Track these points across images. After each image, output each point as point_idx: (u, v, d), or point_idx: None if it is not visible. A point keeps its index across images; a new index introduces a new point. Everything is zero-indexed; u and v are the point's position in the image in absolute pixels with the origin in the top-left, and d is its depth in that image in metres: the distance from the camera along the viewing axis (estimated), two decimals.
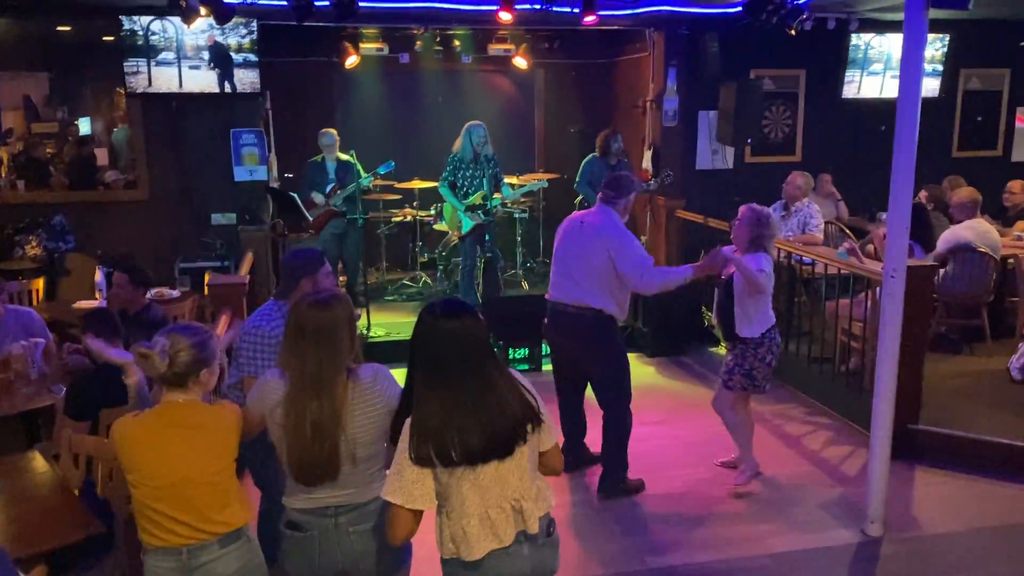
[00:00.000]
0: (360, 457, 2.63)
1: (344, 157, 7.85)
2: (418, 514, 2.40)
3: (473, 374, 2.40)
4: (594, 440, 4.98)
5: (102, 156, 9.07)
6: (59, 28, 7.84)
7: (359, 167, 7.83)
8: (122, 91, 7.53)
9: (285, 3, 6.01)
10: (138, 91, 7.19)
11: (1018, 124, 9.46)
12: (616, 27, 8.18)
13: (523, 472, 2.46)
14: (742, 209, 4.74)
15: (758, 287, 4.48)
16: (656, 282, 4.61)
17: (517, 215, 8.85)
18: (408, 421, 2.40)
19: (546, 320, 4.89)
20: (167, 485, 2.59)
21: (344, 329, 2.61)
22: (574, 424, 5.06)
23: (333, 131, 7.89)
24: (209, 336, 2.73)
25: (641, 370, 6.95)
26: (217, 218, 7.68)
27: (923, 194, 7.37)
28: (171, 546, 2.61)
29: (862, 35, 8.36)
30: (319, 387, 2.54)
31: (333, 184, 7.73)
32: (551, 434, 2.56)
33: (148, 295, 6.24)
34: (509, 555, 2.44)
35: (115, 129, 9.23)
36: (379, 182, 8.21)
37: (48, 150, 9.32)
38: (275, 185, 7.95)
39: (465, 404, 2.37)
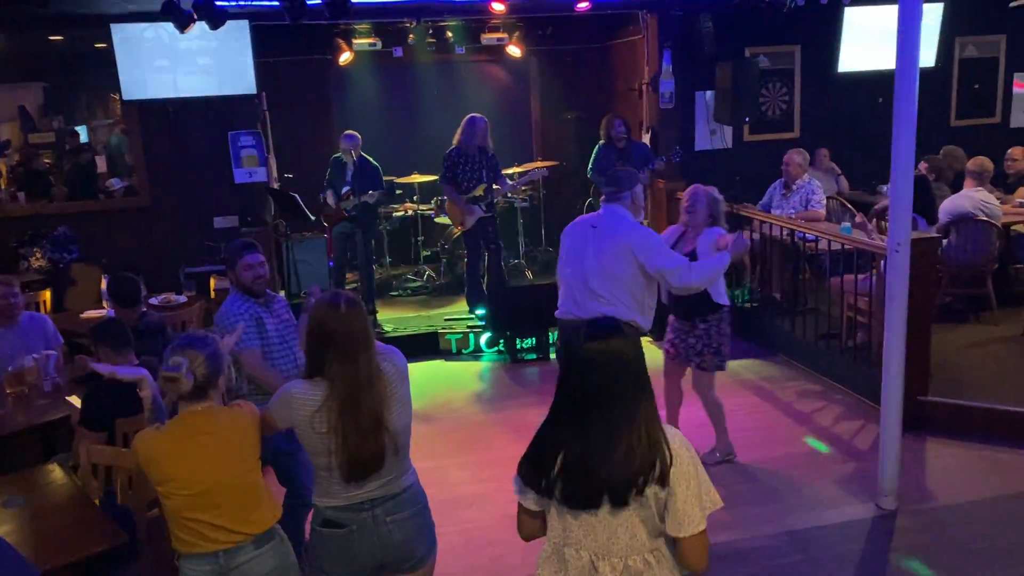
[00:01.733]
0: (401, 444, 2.70)
1: (368, 159, 7.61)
2: (537, 515, 2.24)
3: (611, 409, 2.08)
4: None
5: (101, 164, 9.09)
6: (52, 38, 7.85)
7: (380, 170, 7.64)
8: (117, 98, 7.52)
9: (277, 4, 5.99)
10: (134, 97, 7.19)
11: (1016, 90, 9.43)
12: (609, 11, 8.15)
13: (622, 533, 2.13)
14: (695, 191, 4.76)
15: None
16: (697, 278, 4.25)
17: (518, 204, 8.85)
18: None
19: (558, 342, 4.57)
20: (199, 492, 2.63)
21: (369, 325, 2.69)
22: None
23: (355, 133, 7.62)
24: (215, 342, 2.77)
25: (649, 354, 6.95)
26: (219, 221, 7.69)
27: (923, 165, 7.36)
28: (207, 551, 2.64)
29: (855, 8, 8.32)
30: (371, 381, 2.60)
31: (348, 188, 7.59)
32: (688, 518, 2.13)
33: (154, 301, 6.31)
34: None
35: (111, 136, 9.25)
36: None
37: (46, 160, 9.34)
38: (275, 186, 7.95)
39: (590, 441, 2.08)
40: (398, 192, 9.04)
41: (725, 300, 4.72)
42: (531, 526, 2.27)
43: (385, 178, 8.34)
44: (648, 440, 2.06)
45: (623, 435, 2.05)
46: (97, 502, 3.55)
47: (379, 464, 2.62)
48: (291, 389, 2.67)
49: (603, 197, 4.51)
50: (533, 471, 2.14)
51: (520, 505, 2.24)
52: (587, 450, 2.06)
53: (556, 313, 4.53)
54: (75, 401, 4.37)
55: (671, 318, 4.93)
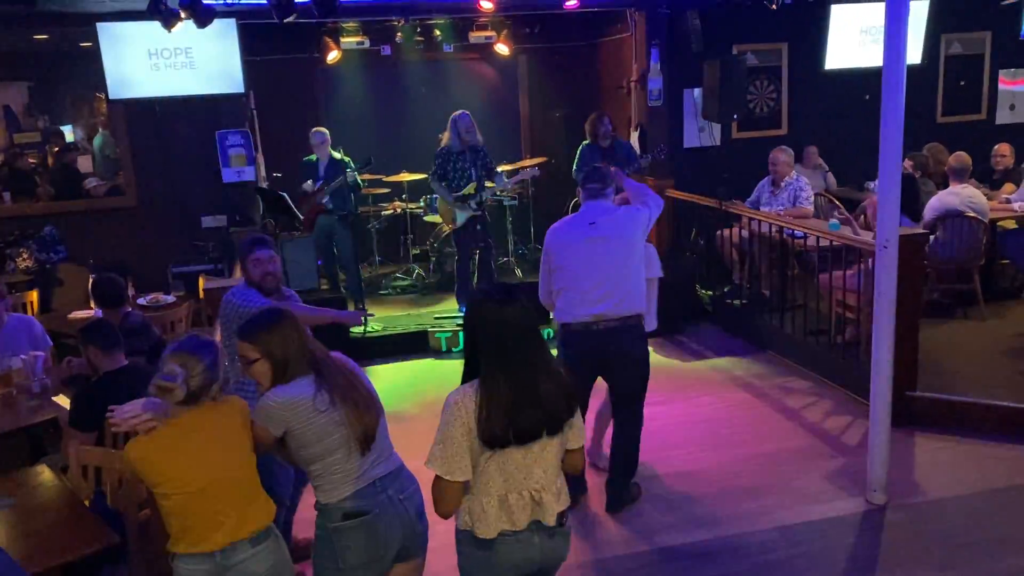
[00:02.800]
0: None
1: (336, 155, 7.81)
2: (464, 486, 2.49)
3: (533, 358, 2.50)
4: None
5: (85, 163, 9.03)
6: (37, 37, 7.78)
7: (350, 164, 7.80)
8: (103, 97, 7.48)
9: (265, 2, 5.96)
10: (120, 97, 7.15)
11: (1001, 86, 9.50)
12: (597, 9, 8.16)
13: (548, 465, 2.56)
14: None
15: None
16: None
17: (507, 202, 8.85)
18: (457, 398, 2.48)
19: (566, 344, 4.31)
20: (197, 490, 2.62)
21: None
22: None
23: (323, 129, 7.84)
24: (217, 350, 2.77)
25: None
26: (207, 220, 7.68)
27: (907, 163, 7.41)
28: (204, 551, 2.64)
29: (842, 5, 8.36)
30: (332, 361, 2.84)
31: (321, 182, 7.71)
32: (581, 433, 2.65)
33: (143, 301, 6.28)
34: (520, 542, 2.54)
35: (96, 136, 9.19)
36: (366, 177, 8.18)
37: (31, 160, 9.27)
38: (264, 185, 7.93)
39: (530, 389, 2.46)
40: (386, 190, 9.02)
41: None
42: (457, 499, 2.51)
43: (374, 176, 8.36)
44: (559, 375, 2.55)
45: (544, 374, 2.50)
46: (87, 503, 3.53)
47: (372, 436, 2.77)
48: (273, 397, 2.70)
49: (585, 194, 4.39)
50: (490, 427, 2.43)
51: (447, 484, 2.46)
52: (526, 390, 2.46)
53: (561, 319, 4.31)
54: (64, 402, 4.35)
55: None
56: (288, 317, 2.79)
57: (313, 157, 7.84)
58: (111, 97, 7.22)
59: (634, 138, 8.45)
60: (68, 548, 3.07)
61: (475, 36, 8.73)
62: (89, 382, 4.14)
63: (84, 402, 3.91)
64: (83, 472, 3.64)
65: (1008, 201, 7.29)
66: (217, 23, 6.31)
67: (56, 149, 9.08)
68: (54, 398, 4.49)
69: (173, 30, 6.18)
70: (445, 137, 7.36)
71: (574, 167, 7.76)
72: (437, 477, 2.47)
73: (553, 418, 2.50)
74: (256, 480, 2.78)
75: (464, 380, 2.56)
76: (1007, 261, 7.59)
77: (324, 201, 7.65)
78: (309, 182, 7.76)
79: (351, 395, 2.74)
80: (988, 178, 7.86)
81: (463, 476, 2.46)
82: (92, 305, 6.28)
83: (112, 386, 3.95)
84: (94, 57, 7.05)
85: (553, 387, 2.50)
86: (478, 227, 7.44)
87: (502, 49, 8.95)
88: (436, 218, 8.21)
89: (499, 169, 8.00)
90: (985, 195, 6.99)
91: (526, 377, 2.46)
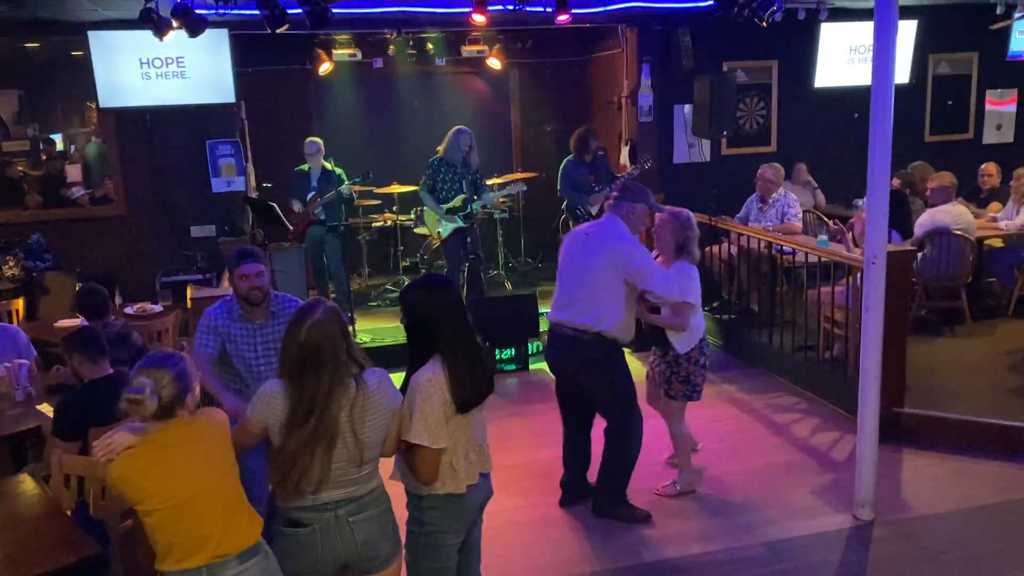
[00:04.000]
0: (366, 459, 2.75)
1: (328, 166, 7.82)
2: (441, 453, 2.78)
3: (472, 333, 2.89)
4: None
5: (75, 172, 9.00)
6: (27, 45, 7.77)
7: (343, 175, 7.80)
8: (93, 106, 7.46)
9: (257, 13, 5.97)
10: (111, 105, 7.13)
11: (988, 107, 9.59)
12: (589, 25, 8.20)
13: (482, 421, 3.00)
14: (664, 215, 4.56)
15: (682, 325, 4.48)
16: (676, 291, 4.34)
17: (498, 215, 8.86)
18: (427, 376, 2.78)
19: (547, 344, 4.62)
20: (179, 504, 2.57)
21: (341, 335, 2.70)
22: (576, 456, 4.74)
23: (317, 139, 7.84)
24: (183, 360, 2.70)
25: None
26: (196, 230, 7.64)
27: (895, 180, 7.45)
28: (191, 567, 2.59)
29: (832, 24, 8.43)
30: (325, 407, 2.64)
31: (314, 193, 7.70)
32: None
33: (130, 310, 6.24)
34: (478, 488, 2.96)
35: (87, 144, 9.16)
36: (359, 188, 8.20)
37: (20, 168, 9.23)
38: (253, 195, 7.91)
39: (477, 356, 2.87)
40: (377, 202, 9.01)
41: (681, 348, 4.56)
42: (438, 464, 2.80)
43: (364, 188, 8.35)
44: (481, 345, 2.97)
45: (478, 344, 2.90)
46: (69, 513, 3.49)
47: (323, 483, 2.67)
48: (270, 388, 2.71)
49: (608, 205, 4.50)
50: (463, 392, 2.79)
51: (432, 453, 2.76)
52: (475, 358, 2.86)
53: (547, 316, 4.62)
54: (47, 410, 4.31)
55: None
56: (330, 314, 2.73)
57: (305, 167, 7.86)
58: (102, 105, 7.21)
59: (624, 153, 8.48)
60: (50, 558, 3.03)
61: (467, 50, 8.76)
62: (73, 391, 4.11)
63: (67, 411, 3.87)
64: (65, 481, 3.60)
65: (995, 220, 7.35)
66: (209, 33, 6.30)
67: (45, 157, 9.05)
68: (38, 407, 4.44)
69: (165, 39, 6.18)
70: (443, 147, 7.36)
71: (559, 183, 7.77)
72: (420, 448, 2.74)
73: (490, 380, 2.94)
74: (240, 493, 2.73)
75: (413, 365, 2.86)
76: (994, 279, 7.64)
77: (316, 212, 7.65)
78: (297, 203, 7.76)
79: (306, 435, 2.62)
80: (975, 197, 7.93)
81: (444, 443, 2.78)
82: (78, 314, 6.26)
83: (96, 395, 3.92)
84: (85, 65, 7.03)
85: (484, 354, 2.98)
86: (467, 240, 7.44)
87: (494, 63, 8.98)
88: (426, 230, 8.21)
89: (488, 182, 8.02)
90: (973, 214, 7.04)
91: (473, 348, 2.86)
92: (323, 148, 7.81)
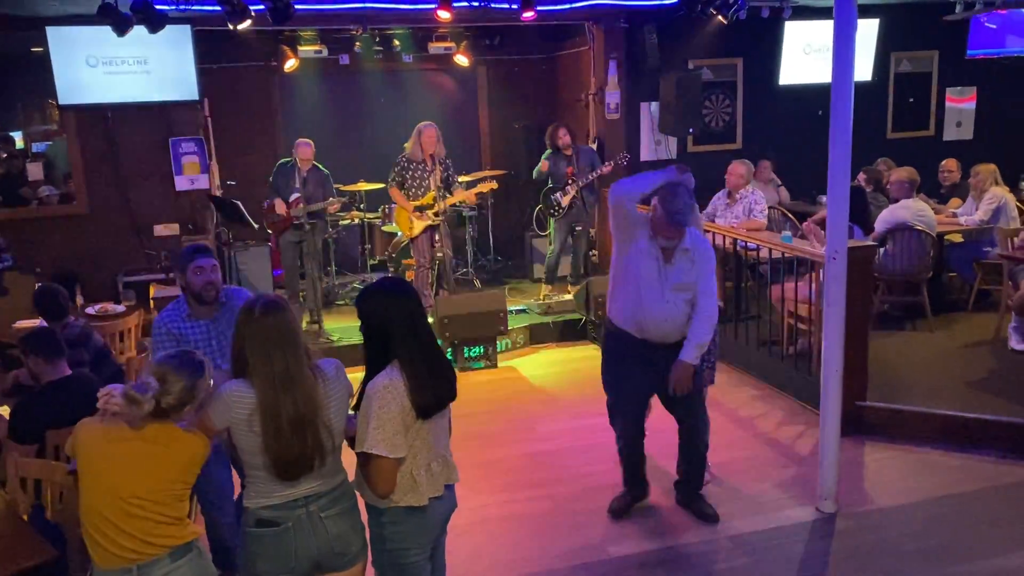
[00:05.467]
0: (335, 446, 2.75)
1: (318, 165, 7.52)
2: (399, 463, 2.68)
3: (432, 338, 2.83)
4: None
5: (36, 171, 8.85)
6: None
7: (330, 177, 7.56)
8: (54, 103, 7.34)
9: (219, 9, 5.90)
10: (71, 102, 7.02)
11: (948, 104, 9.75)
12: (555, 22, 8.22)
13: (446, 429, 2.91)
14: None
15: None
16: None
17: (467, 213, 8.84)
18: (384, 383, 2.66)
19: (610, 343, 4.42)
20: (120, 497, 2.53)
21: (295, 329, 2.71)
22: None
23: (308, 140, 7.53)
24: (203, 371, 2.64)
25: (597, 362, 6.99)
26: (160, 229, 7.55)
27: (861, 176, 7.56)
28: (120, 565, 2.56)
29: (796, 22, 8.52)
30: (290, 385, 2.61)
31: (297, 194, 7.46)
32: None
33: (91, 310, 6.15)
34: (442, 500, 2.85)
35: (48, 143, 9.01)
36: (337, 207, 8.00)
37: None
38: (217, 193, 7.82)
39: (438, 360, 2.80)
40: (345, 200, 8.95)
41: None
42: (395, 476, 2.69)
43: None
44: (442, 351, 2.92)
45: (439, 350, 2.86)
46: (25, 517, 3.43)
47: (306, 465, 2.65)
48: (228, 387, 2.66)
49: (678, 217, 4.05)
50: (424, 399, 2.70)
51: (389, 463, 2.65)
52: (435, 364, 2.77)
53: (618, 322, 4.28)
54: (3, 412, 4.23)
55: None
56: (286, 305, 2.73)
57: (288, 161, 7.55)
58: (61, 103, 7.10)
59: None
60: (6, 562, 2.98)
61: (434, 47, 8.74)
62: (30, 392, 4.04)
63: (24, 413, 3.81)
64: (22, 485, 3.54)
65: (955, 215, 7.46)
66: (171, 29, 6.23)
67: (5, 156, 8.89)
68: None
69: (126, 35, 6.09)
70: (409, 145, 7.31)
71: (536, 171, 7.80)
72: (376, 458, 2.63)
73: (452, 385, 2.84)
74: (183, 515, 2.67)
75: (371, 370, 2.75)
76: (954, 274, 7.77)
77: (299, 216, 7.27)
78: (279, 201, 7.45)
79: (271, 425, 2.59)
80: (936, 193, 8.05)
81: (402, 452, 2.67)
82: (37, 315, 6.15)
83: (54, 397, 3.86)
84: (44, 62, 6.91)
85: (446, 360, 2.90)
86: (436, 237, 7.43)
87: (461, 60, 8.97)
88: (394, 228, 8.17)
89: (460, 180, 8.00)
90: (933, 210, 7.15)
91: (433, 352, 2.79)
92: (313, 149, 7.51)
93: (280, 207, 7.46)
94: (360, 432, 2.67)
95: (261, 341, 2.63)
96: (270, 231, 7.66)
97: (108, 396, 2.56)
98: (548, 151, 7.77)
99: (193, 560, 2.65)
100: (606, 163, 7.72)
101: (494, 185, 8.00)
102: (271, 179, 7.61)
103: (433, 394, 2.72)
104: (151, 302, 6.70)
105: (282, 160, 7.67)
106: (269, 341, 2.62)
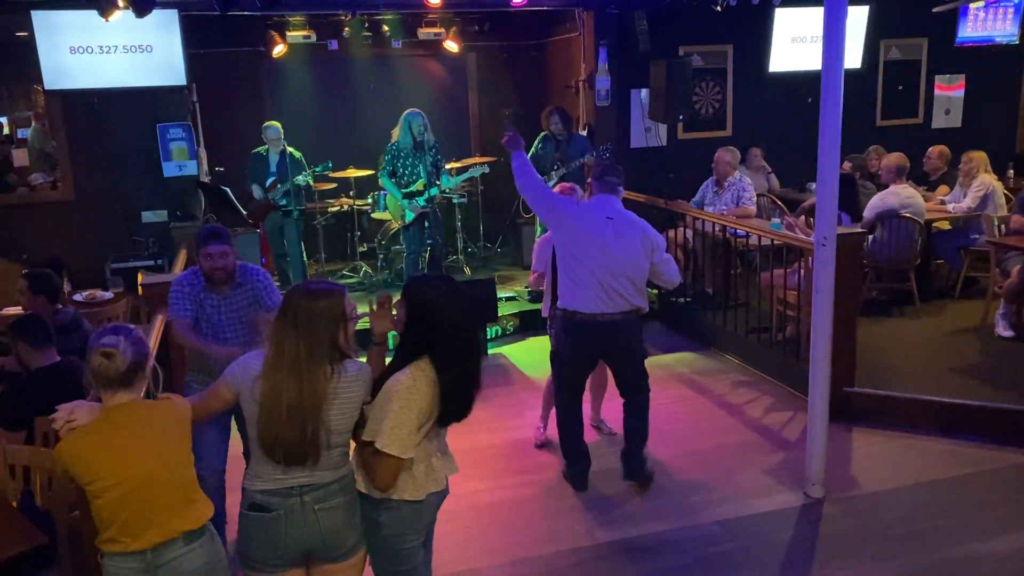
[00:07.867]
0: (333, 444, 2.69)
1: (290, 150, 7.69)
2: (405, 462, 2.67)
3: (477, 343, 2.85)
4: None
5: (21, 157, 8.77)
6: None
7: (302, 160, 7.69)
8: (39, 88, 7.27)
9: None
10: (56, 88, 6.94)
11: (937, 92, 9.77)
12: (546, 7, 8.18)
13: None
14: None
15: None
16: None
17: (456, 200, 8.81)
18: (408, 383, 2.63)
19: (570, 335, 4.50)
20: (132, 488, 2.54)
21: (327, 320, 2.63)
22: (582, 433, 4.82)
23: (277, 124, 7.73)
24: (137, 330, 2.71)
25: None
26: (148, 216, 7.51)
27: (846, 164, 7.58)
28: (136, 550, 2.56)
29: (786, 9, 8.50)
30: (297, 371, 2.58)
31: (273, 178, 7.59)
32: None
33: (79, 297, 6.11)
34: (439, 494, 2.87)
35: (29, 128, 8.93)
36: (318, 179, 8.10)
37: None
38: (206, 179, 7.78)
39: (474, 367, 2.79)
40: (333, 186, 8.92)
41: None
42: (399, 473, 2.68)
43: (323, 175, 8.25)
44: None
45: (480, 357, 2.91)
46: (14, 504, 3.42)
47: (296, 454, 2.61)
48: (252, 355, 2.73)
49: (599, 184, 4.52)
50: (456, 407, 2.74)
51: (397, 461, 2.63)
52: (474, 371, 2.78)
53: (573, 307, 4.44)
54: None
55: None
56: (334, 295, 2.69)
57: (263, 149, 7.72)
58: (47, 88, 7.00)
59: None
60: None
61: (424, 32, 8.68)
62: (19, 379, 4.02)
63: (13, 399, 3.80)
64: (11, 472, 3.53)
65: (943, 203, 7.50)
66: (159, 13, 6.16)
67: None
68: None
69: (112, 19, 6.03)
70: (396, 133, 7.32)
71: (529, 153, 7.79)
72: (385, 455, 2.61)
73: (473, 401, 2.78)
74: (192, 480, 2.70)
75: (400, 361, 2.70)
76: (942, 261, 7.81)
77: (277, 199, 7.56)
78: (257, 189, 7.68)
79: (266, 405, 2.58)
80: (924, 180, 8.08)
81: (412, 453, 2.66)
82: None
83: (42, 383, 3.85)
84: (29, 46, 6.83)
85: (480, 375, 2.82)
86: (427, 224, 7.41)
87: (451, 46, 8.91)
88: (384, 215, 8.14)
89: (448, 166, 7.98)
90: (922, 197, 7.18)
91: (474, 360, 2.76)
92: (282, 133, 7.70)
93: (256, 192, 7.66)
94: (373, 424, 2.66)
95: (282, 319, 2.64)
96: (251, 221, 7.68)
97: (67, 415, 2.57)
98: (543, 133, 7.78)
99: (206, 543, 2.67)
100: (587, 156, 7.71)
101: (485, 169, 8.00)
102: (247, 170, 7.73)
103: (459, 407, 2.76)
104: (139, 289, 6.64)
105: (255, 150, 7.75)
106: (290, 322, 2.62)
